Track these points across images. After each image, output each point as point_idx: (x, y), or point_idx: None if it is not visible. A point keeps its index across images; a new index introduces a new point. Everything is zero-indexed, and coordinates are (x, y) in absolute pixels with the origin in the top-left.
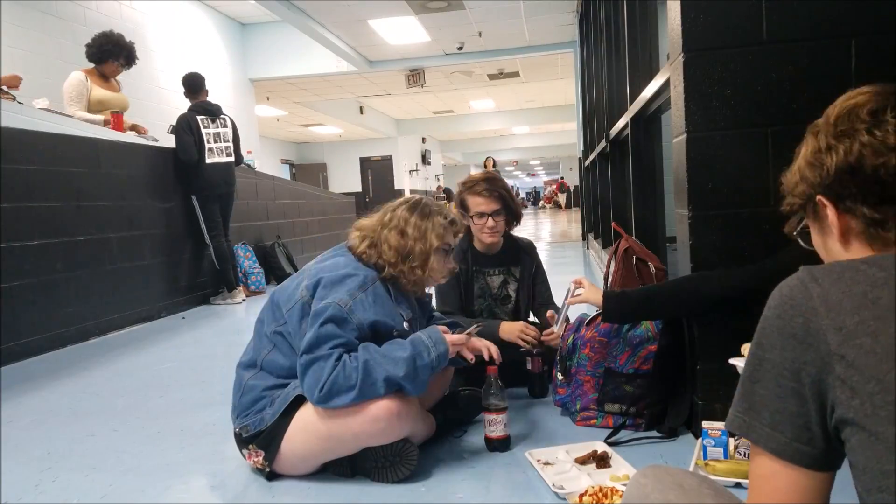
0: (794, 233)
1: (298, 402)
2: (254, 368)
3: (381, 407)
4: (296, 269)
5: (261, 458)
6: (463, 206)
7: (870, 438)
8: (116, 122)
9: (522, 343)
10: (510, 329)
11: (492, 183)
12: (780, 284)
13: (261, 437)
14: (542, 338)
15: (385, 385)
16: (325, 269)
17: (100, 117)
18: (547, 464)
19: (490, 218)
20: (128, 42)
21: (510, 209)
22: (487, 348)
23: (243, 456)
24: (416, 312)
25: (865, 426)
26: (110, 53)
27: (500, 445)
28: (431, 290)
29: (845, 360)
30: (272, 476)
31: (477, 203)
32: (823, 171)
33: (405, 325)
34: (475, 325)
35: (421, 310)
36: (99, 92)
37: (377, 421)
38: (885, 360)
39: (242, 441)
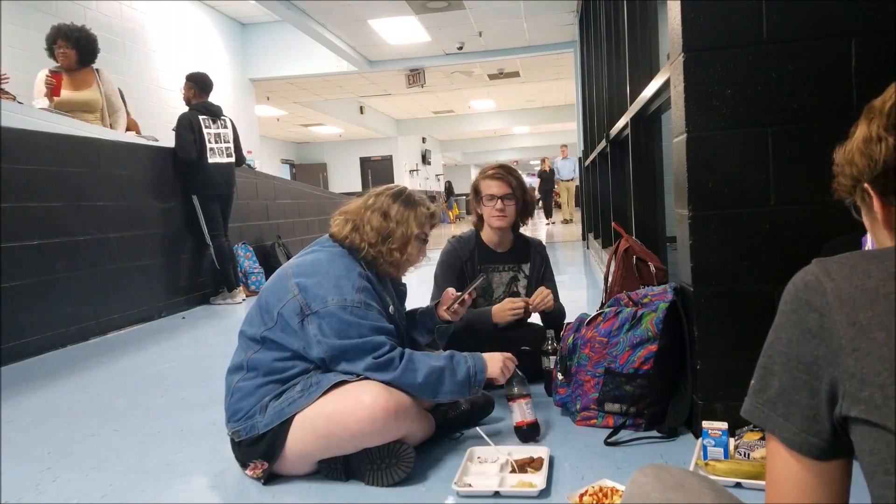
0: (847, 202)
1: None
2: (241, 370)
3: (379, 406)
4: None
5: (260, 470)
6: (476, 193)
7: (879, 427)
8: None
9: (515, 315)
10: (500, 312)
11: (506, 169)
12: (794, 278)
13: (261, 448)
14: (531, 302)
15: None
16: (312, 269)
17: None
18: (480, 460)
19: (500, 200)
20: (68, 24)
21: (520, 197)
22: (504, 363)
23: (241, 465)
24: (396, 302)
25: (874, 415)
26: (50, 40)
27: (531, 430)
28: (406, 281)
29: (858, 353)
30: (269, 479)
31: (489, 186)
32: (872, 163)
33: (391, 308)
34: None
35: (399, 300)
36: (61, 94)
37: (374, 420)
38: None
39: (242, 450)
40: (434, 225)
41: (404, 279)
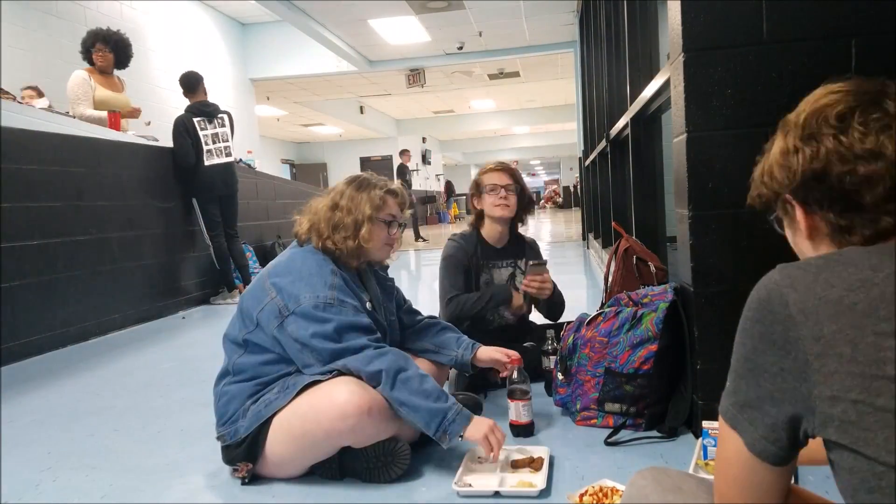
0: (770, 217)
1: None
2: (227, 375)
3: (351, 403)
4: None
5: (245, 471)
6: (477, 187)
7: (855, 445)
8: (114, 121)
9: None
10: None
11: (505, 165)
12: (758, 285)
13: (243, 450)
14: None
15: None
16: (286, 268)
17: (104, 114)
18: (480, 460)
19: (503, 189)
20: (105, 29)
21: (521, 190)
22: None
23: (230, 467)
24: (379, 297)
25: (850, 433)
26: (88, 43)
27: (524, 431)
28: (394, 278)
29: (825, 370)
30: (251, 481)
31: (490, 178)
32: (791, 174)
33: (367, 304)
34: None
35: (386, 295)
36: (102, 92)
37: (346, 417)
38: (868, 368)
39: (228, 454)
40: (403, 204)
41: (390, 273)
